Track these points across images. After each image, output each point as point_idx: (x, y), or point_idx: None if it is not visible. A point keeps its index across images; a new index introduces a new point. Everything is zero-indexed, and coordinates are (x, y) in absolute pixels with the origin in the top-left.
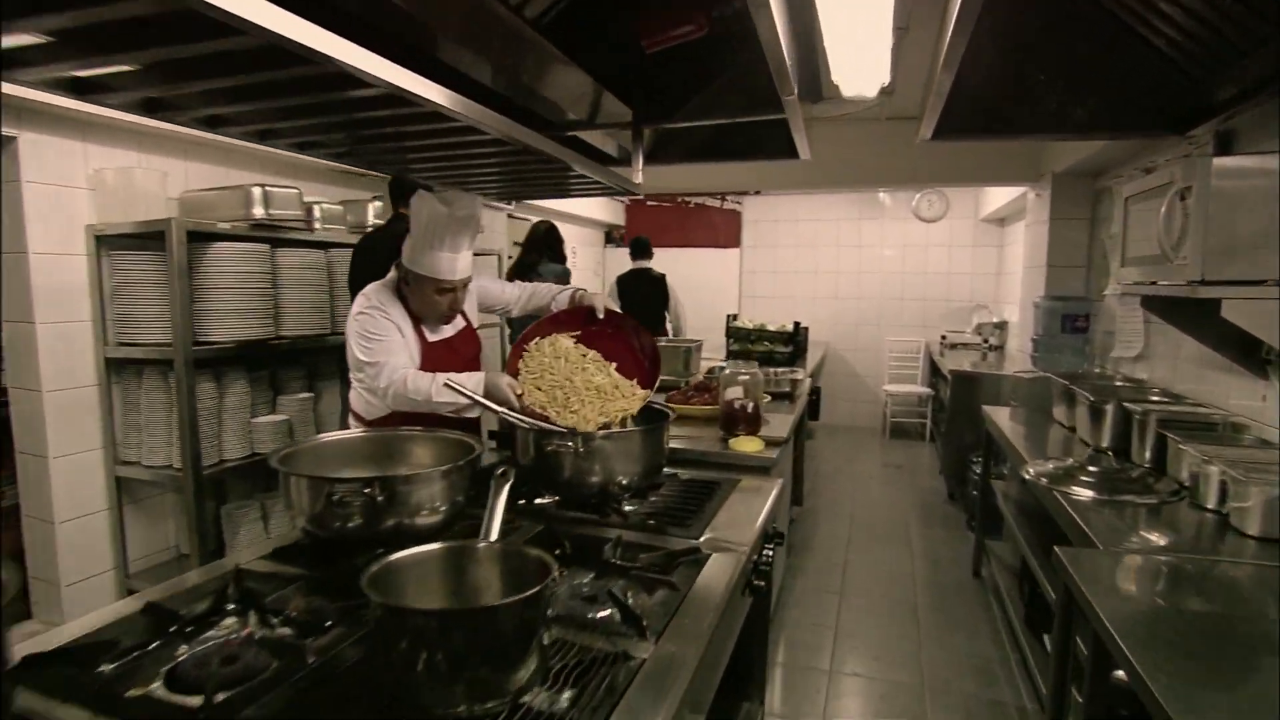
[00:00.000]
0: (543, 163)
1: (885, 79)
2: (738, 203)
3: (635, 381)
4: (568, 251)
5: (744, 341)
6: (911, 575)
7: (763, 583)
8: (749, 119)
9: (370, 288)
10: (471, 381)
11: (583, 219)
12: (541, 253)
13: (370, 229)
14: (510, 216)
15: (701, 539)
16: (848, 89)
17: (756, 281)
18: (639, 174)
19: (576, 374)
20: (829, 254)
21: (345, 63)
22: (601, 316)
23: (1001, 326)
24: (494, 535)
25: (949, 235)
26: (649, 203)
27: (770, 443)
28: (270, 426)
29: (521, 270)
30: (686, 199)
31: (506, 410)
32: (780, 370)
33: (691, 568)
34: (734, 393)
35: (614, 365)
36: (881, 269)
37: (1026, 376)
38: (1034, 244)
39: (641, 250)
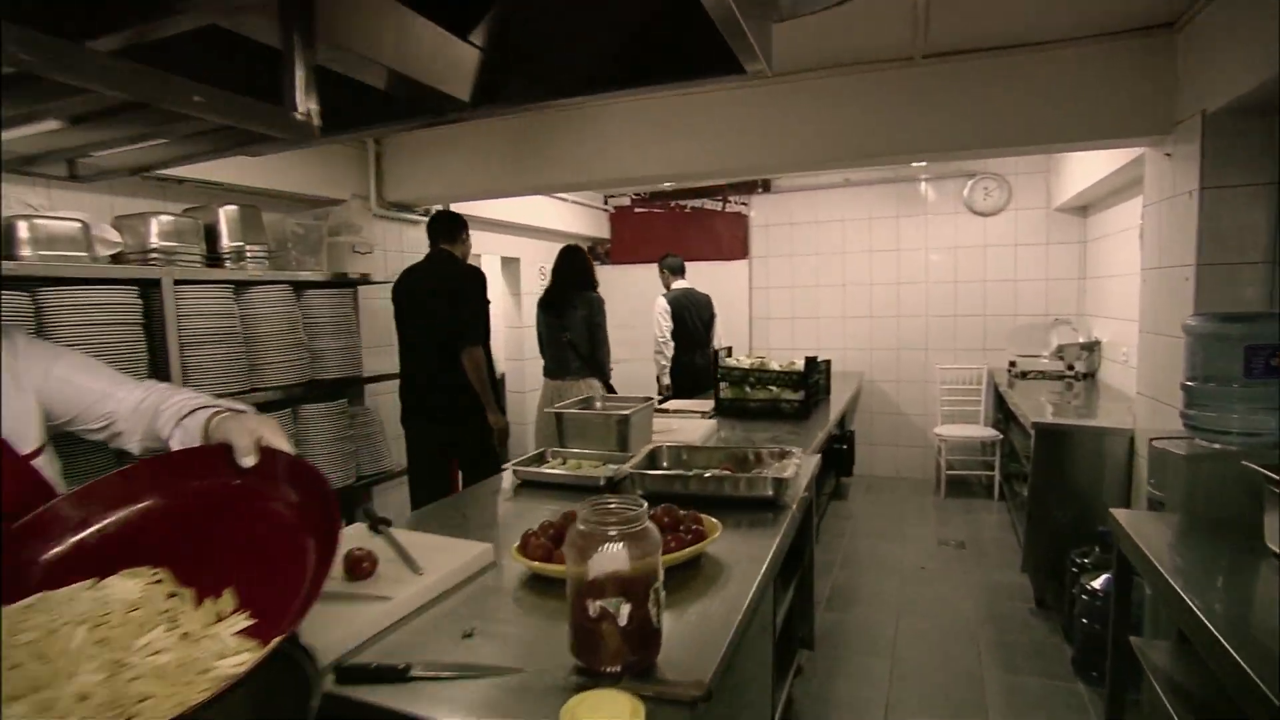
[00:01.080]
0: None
1: None
2: (743, 204)
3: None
4: (536, 272)
5: (738, 386)
6: None
7: None
8: None
9: None
10: None
11: (555, 232)
12: (571, 281)
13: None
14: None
15: None
16: None
17: (770, 299)
18: (303, 99)
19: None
20: (860, 262)
21: None
22: (250, 462)
23: (1091, 348)
24: None
25: (1013, 232)
26: (636, 209)
27: (665, 700)
28: None
29: (555, 304)
30: (681, 203)
31: None
32: (765, 451)
33: None
34: (601, 568)
35: (244, 614)
36: (927, 278)
37: (1179, 451)
38: (1162, 231)
39: (680, 269)
